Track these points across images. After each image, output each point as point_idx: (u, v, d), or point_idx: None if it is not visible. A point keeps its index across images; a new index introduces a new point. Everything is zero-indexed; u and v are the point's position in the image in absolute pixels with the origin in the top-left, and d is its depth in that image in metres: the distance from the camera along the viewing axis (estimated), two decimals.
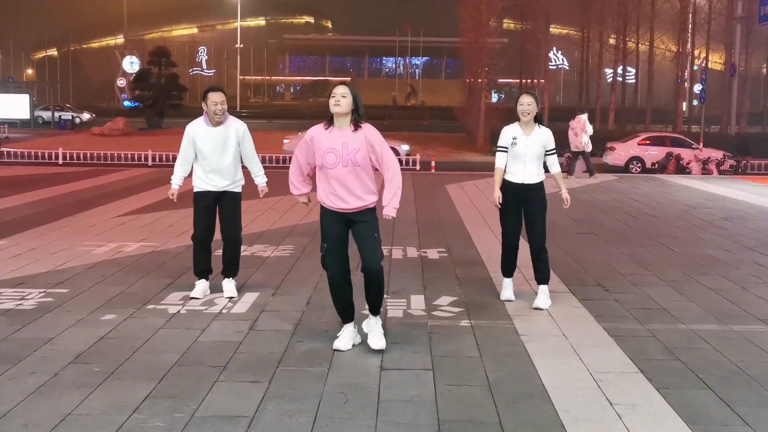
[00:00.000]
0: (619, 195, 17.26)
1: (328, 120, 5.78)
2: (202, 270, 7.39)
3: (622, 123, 54.32)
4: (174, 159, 7.89)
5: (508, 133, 7.25)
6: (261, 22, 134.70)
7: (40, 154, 29.03)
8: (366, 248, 5.74)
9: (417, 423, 4.53)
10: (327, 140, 5.72)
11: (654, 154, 27.92)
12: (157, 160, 27.72)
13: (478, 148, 39.28)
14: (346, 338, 5.89)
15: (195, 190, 7.28)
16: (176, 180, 7.40)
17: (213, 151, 7.12)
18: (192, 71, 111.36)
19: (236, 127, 7.24)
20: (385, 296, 6.17)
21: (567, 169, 25.43)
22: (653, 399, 4.96)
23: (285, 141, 29.95)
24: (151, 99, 55.66)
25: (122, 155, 28.76)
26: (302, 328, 6.42)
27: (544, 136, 7.19)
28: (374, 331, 5.89)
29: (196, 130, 7.18)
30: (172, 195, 7.52)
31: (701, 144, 28.12)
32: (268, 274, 8.41)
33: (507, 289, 7.44)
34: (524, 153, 7.15)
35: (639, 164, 27.73)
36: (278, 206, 13.79)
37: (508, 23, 63.20)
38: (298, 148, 5.92)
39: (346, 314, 5.93)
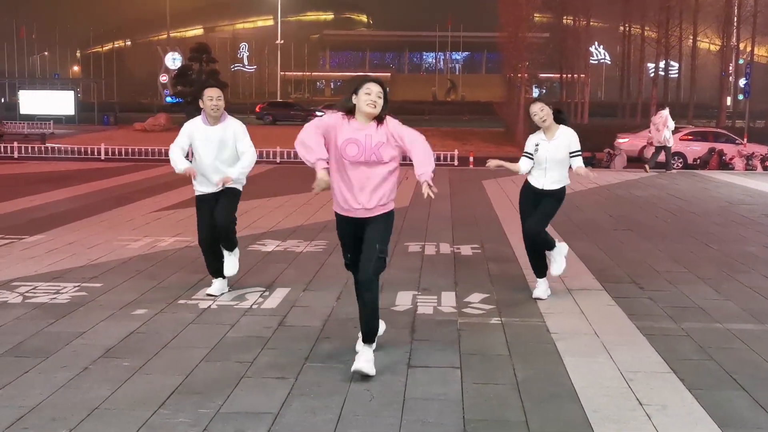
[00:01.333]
0: (658, 191, 17.00)
1: (348, 113, 5.28)
2: (216, 270, 7.29)
3: None
4: None
5: (533, 140, 7.15)
6: (301, 17, 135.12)
7: (83, 150, 29.43)
8: (364, 255, 5.30)
9: (442, 422, 4.48)
10: (347, 130, 5.23)
11: (696, 149, 27.50)
12: None
13: (518, 143, 39.04)
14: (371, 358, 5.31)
15: (196, 194, 7.23)
16: (179, 164, 7.00)
17: (209, 150, 6.96)
18: (233, 67, 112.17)
19: (234, 127, 7.04)
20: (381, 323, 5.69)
21: (609, 163, 25.18)
22: (685, 400, 4.86)
23: None
24: (192, 95, 56.12)
25: (163, 150, 29.00)
26: (331, 324, 6.40)
27: (567, 138, 7.02)
28: (360, 354, 5.30)
29: (194, 128, 7.04)
30: (190, 173, 6.99)
31: (745, 139, 27.66)
32: (300, 270, 8.41)
33: (540, 287, 7.29)
34: (545, 159, 7.03)
35: (681, 160, 27.32)
36: (314, 201, 13.80)
37: (548, 17, 62.56)
38: (313, 125, 5.29)
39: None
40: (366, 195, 5.23)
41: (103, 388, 4.92)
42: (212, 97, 6.91)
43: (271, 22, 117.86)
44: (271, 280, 7.89)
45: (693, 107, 53.18)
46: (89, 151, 28.85)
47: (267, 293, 7.36)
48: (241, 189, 7.22)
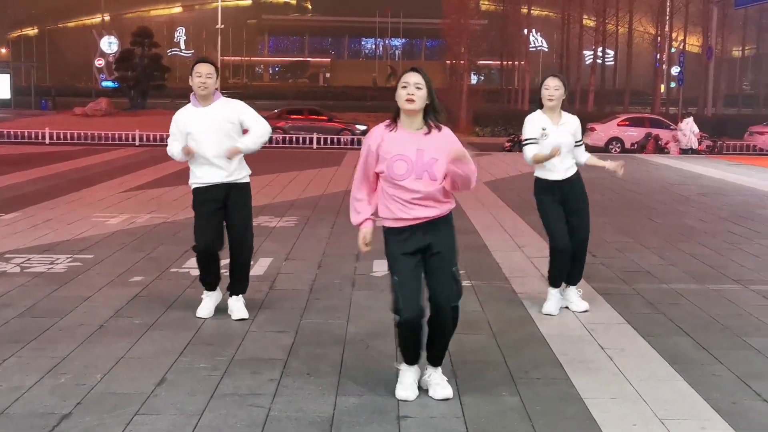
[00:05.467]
0: (600, 173, 17.76)
1: (393, 118, 4.41)
2: (214, 278, 6.24)
3: (602, 104, 55.12)
4: (161, 139, 7.35)
5: (536, 123, 6.19)
6: (240, 2, 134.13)
7: (25, 134, 29.26)
8: (439, 281, 4.46)
9: None
10: (394, 145, 4.31)
11: (633, 134, 28.65)
12: (144, 140, 27.99)
13: (461, 129, 39.87)
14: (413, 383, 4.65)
15: (198, 186, 6.04)
16: (175, 149, 6.04)
17: (210, 135, 5.90)
18: (170, 52, 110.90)
19: (232, 107, 6.04)
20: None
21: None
22: (639, 344, 5.58)
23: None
24: (134, 80, 55.79)
25: (109, 135, 29.09)
26: (318, 287, 6.98)
27: (574, 125, 6.26)
28: (434, 379, 4.68)
29: (185, 115, 6.02)
30: (188, 151, 5.96)
31: (679, 125, 28.87)
32: (277, 242, 8.96)
33: (552, 299, 6.39)
34: (559, 144, 6.09)
35: (619, 145, 28.46)
36: (275, 182, 14.31)
37: (491, 4, 63.65)
38: (359, 163, 4.53)
39: (418, 355, 4.67)
40: (420, 204, 4.38)
41: (122, 341, 5.43)
42: (201, 73, 5.88)
43: (207, 6, 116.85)
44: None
45: (629, 94, 54.83)
46: (32, 135, 28.73)
47: (252, 262, 7.87)
48: (249, 180, 6.18)
